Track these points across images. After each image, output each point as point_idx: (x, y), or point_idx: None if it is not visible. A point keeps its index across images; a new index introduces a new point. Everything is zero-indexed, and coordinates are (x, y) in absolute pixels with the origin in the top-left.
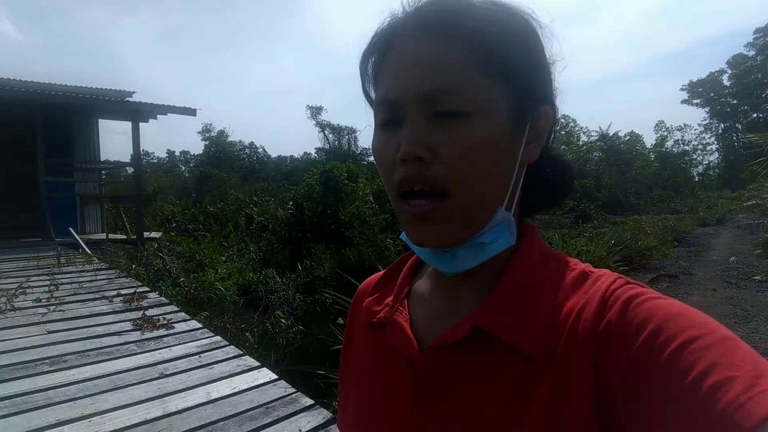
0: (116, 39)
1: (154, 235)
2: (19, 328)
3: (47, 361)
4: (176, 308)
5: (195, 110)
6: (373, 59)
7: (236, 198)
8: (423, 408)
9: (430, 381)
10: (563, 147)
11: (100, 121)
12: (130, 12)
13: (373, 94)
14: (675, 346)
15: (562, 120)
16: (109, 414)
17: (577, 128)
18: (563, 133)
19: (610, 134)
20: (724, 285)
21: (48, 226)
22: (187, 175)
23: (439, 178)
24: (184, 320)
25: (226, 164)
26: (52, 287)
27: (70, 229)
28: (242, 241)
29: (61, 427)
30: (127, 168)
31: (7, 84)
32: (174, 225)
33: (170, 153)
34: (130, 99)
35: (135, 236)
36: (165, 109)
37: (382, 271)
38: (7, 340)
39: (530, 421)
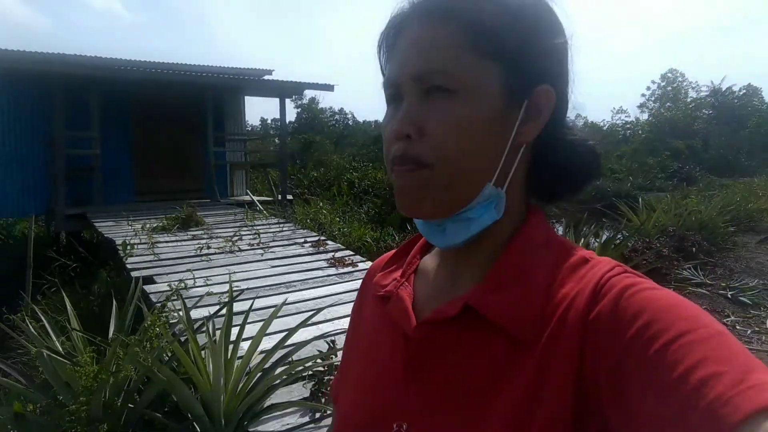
0: (212, 11)
1: (289, 197)
2: (250, 263)
3: (282, 285)
4: (351, 252)
5: (333, 86)
6: (386, 42)
7: (337, 163)
8: (412, 381)
9: (420, 355)
10: (668, 104)
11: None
12: None
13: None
14: (665, 339)
15: (669, 75)
16: (329, 322)
17: (685, 83)
18: (669, 89)
19: (723, 89)
20: None
21: (215, 190)
22: (277, 141)
23: (422, 155)
24: (363, 261)
25: (317, 130)
26: (255, 235)
27: (248, 192)
28: (347, 204)
29: (299, 330)
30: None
31: (159, 66)
32: (280, 190)
33: (263, 121)
34: (270, 77)
35: (280, 197)
36: (305, 86)
37: (395, 250)
38: (247, 271)
39: (504, 403)
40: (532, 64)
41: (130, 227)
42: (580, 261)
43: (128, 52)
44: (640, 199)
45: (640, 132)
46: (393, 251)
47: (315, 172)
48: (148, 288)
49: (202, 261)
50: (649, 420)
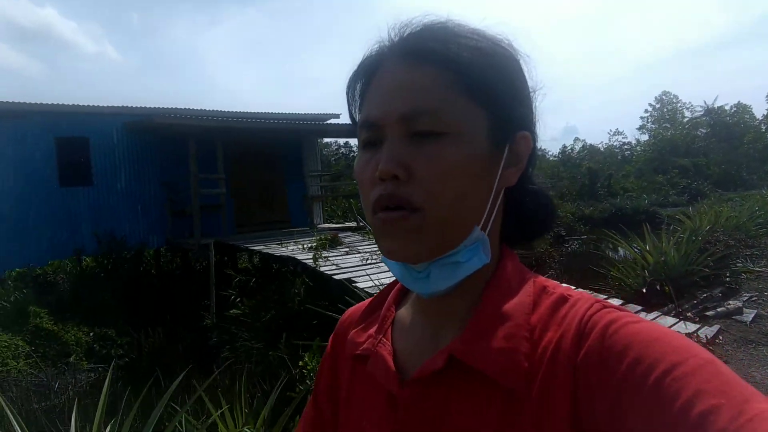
0: (204, 52)
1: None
2: None
3: None
4: None
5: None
6: (360, 84)
7: None
8: None
9: (411, 415)
10: (665, 125)
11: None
12: (214, 25)
13: (357, 117)
14: (658, 373)
15: (663, 97)
16: None
17: (679, 104)
18: (666, 110)
19: (716, 108)
20: None
21: (306, 219)
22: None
23: (412, 197)
24: None
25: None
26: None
27: (359, 217)
28: None
29: None
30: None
31: (251, 116)
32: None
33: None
34: (338, 120)
35: (361, 224)
36: None
37: (367, 301)
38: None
39: None
40: (512, 110)
41: (285, 248)
42: (559, 300)
43: (124, 94)
44: (680, 211)
45: (641, 152)
46: (365, 302)
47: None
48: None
49: (373, 267)
50: None
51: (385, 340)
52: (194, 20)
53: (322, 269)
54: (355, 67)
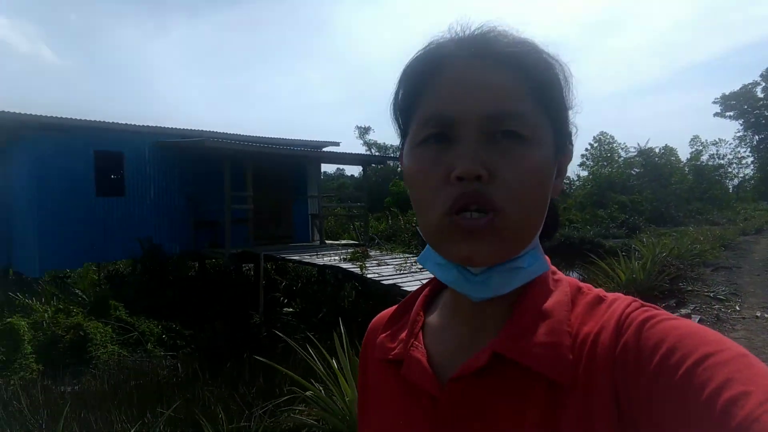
0: (148, 61)
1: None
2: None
3: None
4: None
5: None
6: (420, 77)
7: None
8: None
9: (454, 413)
10: (601, 162)
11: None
12: (162, 34)
13: (409, 111)
14: (689, 363)
15: (601, 137)
16: None
17: (615, 144)
18: (604, 149)
19: (647, 149)
20: (765, 272)
21: (309, 235)
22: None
23: (498, 198)
24: None
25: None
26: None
27: (374, 236)
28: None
29: None
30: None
31: (270, 141)
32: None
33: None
34: (337, 148)
35: (363, 241)
36: (388, 158)
37: (394, 306)
38: None
39: None
40: (567, 125)
41: (321, 259)
42: (595, 299)
43: (57, 97)
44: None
45: (580, 187)
46: (391, 309)
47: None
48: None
49: (407, 275)
50: None
51: (417, 343)
52: (139, 27)
53: (368, 276)
54: (414, 57)
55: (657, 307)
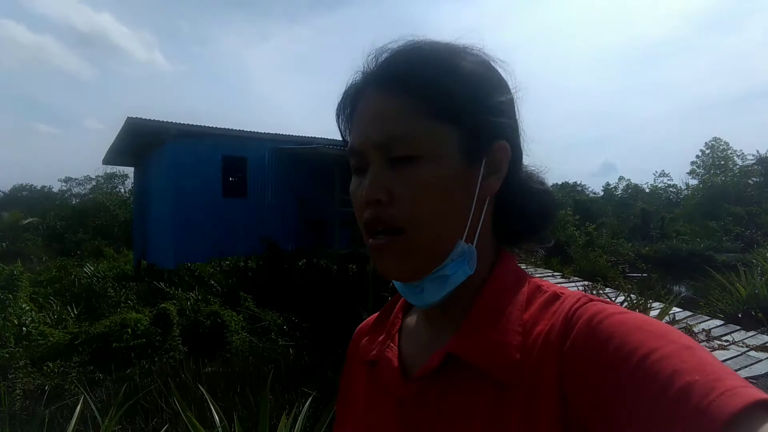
0: (250, 65)
1: None
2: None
3: None
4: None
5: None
6: (345, 114)
7: None
8: None
9: (414, 413)
10: (713, 171)
11: None
12: (264, 40)
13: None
14: (638, 357)
15: (714, 143)
16: None
17: (729, 151)
18: (718, 156)
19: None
20: None
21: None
22: None
23: (395, 218)
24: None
25: None
26: None
27: None
28: None
29: None
30: None
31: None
32: None
33: None
34: None
35: None
36: None
37: (378, 312)
38: None
39: None
40: (486, 123)
41: None
42: (552, 297)
43: (172, 101)
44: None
45: (689, 197)
46: (376, 314)
47: None
48: None
49: None
50: None
51: (392, 344)
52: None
53: None
54: (341, 96)
55: (606, 300)
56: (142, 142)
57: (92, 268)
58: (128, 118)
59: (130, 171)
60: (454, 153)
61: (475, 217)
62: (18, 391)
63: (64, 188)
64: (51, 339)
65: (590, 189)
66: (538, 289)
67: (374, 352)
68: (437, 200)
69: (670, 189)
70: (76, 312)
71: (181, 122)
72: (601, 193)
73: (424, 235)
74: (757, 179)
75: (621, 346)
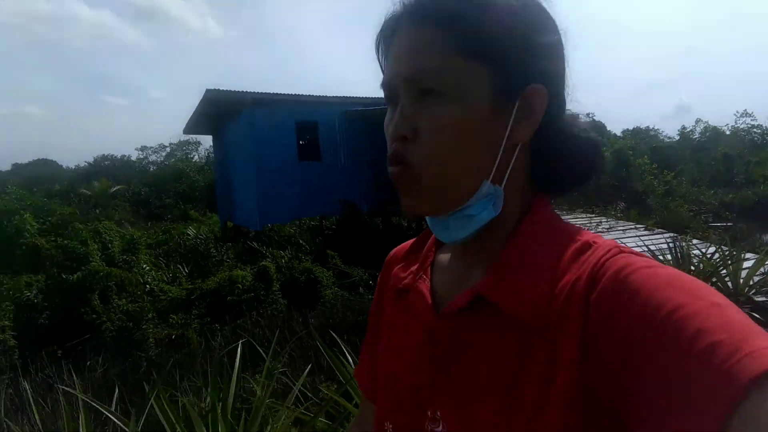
0: (298, 27)
1: None
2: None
3: None
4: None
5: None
6: (382, 46)
7: None
8: (436, 370)
9: (442, 345)
10: None
11: None
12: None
13: None
14: (664, 313)
15: None
16: None
17: None
18: None
19: None
20: None
21: None
22: None
23: (413, 155)
24: None
25: None
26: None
27: None
28: None
29: None
30: None
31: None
32: None
33: None
34: None
35: None
36: None
37: (413, 240)
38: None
39: (524, 391)
40: (521, 64)
41: None
42: (584, 246)
43: (223, 70)
44: None
45: None
46: (409, 242)
47: None
48: None
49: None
50: (656, 389)
51: (424, 276)
52: None
53: None
54: (379, 28)
55: (637, 252)
56: (219, 111)
57: (194, 231)
58: (207, 90)
59: (202, 138)
60: (483, 93)
61: (504, 162)
62: (151, 340)
63: (141, 156)
64: (170, 295)
65: (664, 133)
66: (572, 237)
67: (407, 281)
68: (459, 140)
69: (755, 130)
70: (186, 270)
71: (255, 91)
72: (677, 138)
73: (439, 173)
74: None
75: (648, 300)
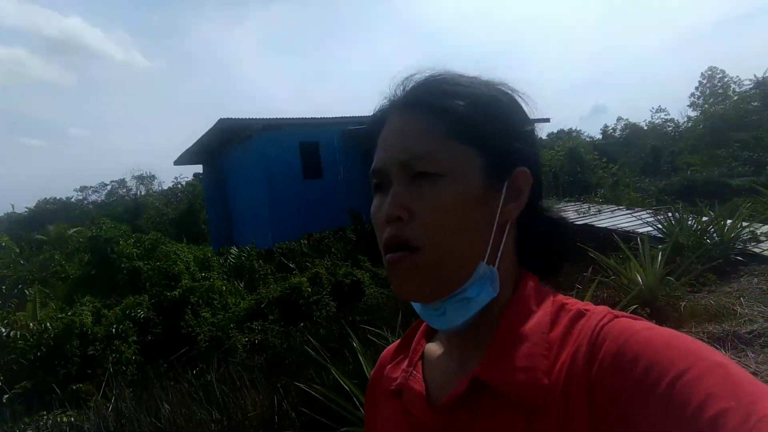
0: (231, 51)
1: None
2: None
3: None
4: None
5: (548, 119)
6: (371, 137)
7: None
8: None
9: None
10: (712, 100)
11: None
12: (239, 22)
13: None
14: (668, 379)
15: (709, 72)
16: None
17: (726, 79)
18: (718, 85)
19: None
20: None
21: None
22: None
23: (413, 236)
24: None
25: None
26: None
27: None
28: None
29: None
30: None
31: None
32: None
33: None
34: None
35: None
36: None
37: (400, 339)
38: None
39: None
40: (509, 148)
41: None
42: (576, 315)
43: (154, 101)
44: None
45: (689, 129)
46: (398, 341)
47: None
48: None
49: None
50: None
51: (415, 372)
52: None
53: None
54: (370, 121)
55: (633, 316)
56: (223, 138)
57: (236, 251)
58: (220, 119)
59: (157, 171)
60: (476, 175)
61: (496, 241)
62: (239, 346)
63: (80, 197)
64: (241, 305)
65: (586, 133)
66: (563, 307)
67: (398, 381)
68: (456, 220)
69: (668, 124)
70: (242, 284)
71: (264, 117)
72: (599, 137)
73: (438, 252)
74: (757, 104)
75: (650, 366)
